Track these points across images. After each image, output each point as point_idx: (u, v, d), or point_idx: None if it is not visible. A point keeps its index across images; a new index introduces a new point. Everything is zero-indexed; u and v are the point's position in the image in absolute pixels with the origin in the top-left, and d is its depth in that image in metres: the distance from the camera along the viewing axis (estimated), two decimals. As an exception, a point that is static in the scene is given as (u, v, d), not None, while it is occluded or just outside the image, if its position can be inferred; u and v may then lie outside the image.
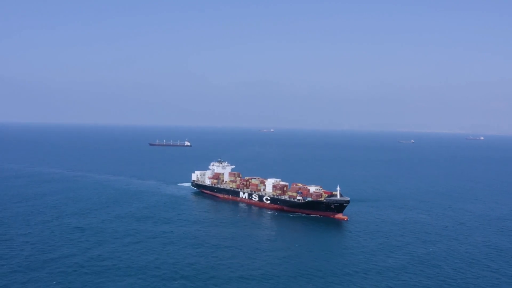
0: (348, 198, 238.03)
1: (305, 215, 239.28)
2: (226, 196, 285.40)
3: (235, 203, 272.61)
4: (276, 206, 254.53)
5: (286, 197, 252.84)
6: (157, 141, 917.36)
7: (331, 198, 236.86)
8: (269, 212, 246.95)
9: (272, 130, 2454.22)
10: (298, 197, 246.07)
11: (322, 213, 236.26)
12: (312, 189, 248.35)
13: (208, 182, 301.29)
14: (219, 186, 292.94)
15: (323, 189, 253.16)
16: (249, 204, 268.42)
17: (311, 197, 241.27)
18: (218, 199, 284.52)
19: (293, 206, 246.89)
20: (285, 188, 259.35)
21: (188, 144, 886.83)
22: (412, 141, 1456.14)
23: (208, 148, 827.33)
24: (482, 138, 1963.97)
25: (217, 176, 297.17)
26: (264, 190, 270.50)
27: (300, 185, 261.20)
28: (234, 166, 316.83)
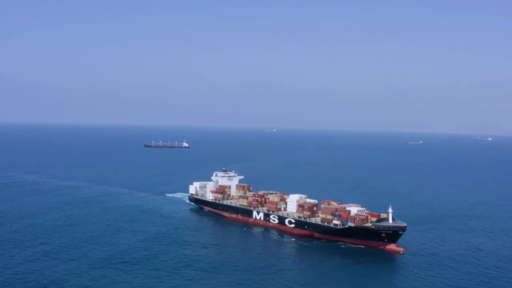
0: (405, 224, 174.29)
1: (344, 244, 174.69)
2: (234, 215, 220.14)
3: (247, 226, 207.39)
4: (303, 231, 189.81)
5: (317, 220, 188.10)
6: (152, 142, 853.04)
7: (381, 223, 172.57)
8: (294, 240, 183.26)
9: (274, 130, 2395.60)
10: (335, 221, 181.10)
11: (368, 242, 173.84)
12: (353, 210, 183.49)
13: (210, 197, 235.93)
14: (224, 202, 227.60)
15: (366, 210, 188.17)
16: (266, 227, 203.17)
17: (353, 222, 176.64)
18: (224, 220, 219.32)
19: (328, 232, 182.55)
20: (314, 208, 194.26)
21: (186, 145, 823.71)
22: (421, 142, 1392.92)
23: (208, 150, 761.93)
24: (490, 139, 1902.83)
25: (222, 190, 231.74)
26: (285, 209, 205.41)
27: (334, 203, 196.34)
28: (242, 177, 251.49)
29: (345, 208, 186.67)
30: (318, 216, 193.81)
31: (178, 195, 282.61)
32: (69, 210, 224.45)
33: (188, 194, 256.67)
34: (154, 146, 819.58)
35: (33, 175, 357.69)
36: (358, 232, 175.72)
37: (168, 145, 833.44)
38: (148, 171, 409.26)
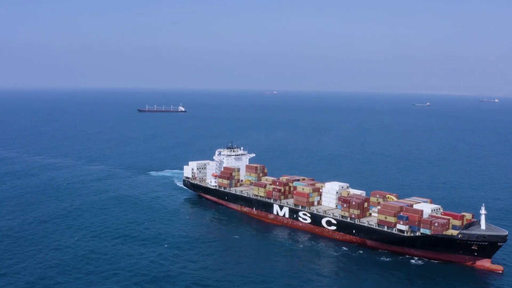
0: (506, 232, 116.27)
1: (411, 257, 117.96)
2: (246, 209, 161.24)
3: (265, 225, 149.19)
4: (349, 237, 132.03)
5: (371, 222, 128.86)
6: (147, 106, 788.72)
7: (471, 230, 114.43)
8: (336, 249, 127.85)
9: (275, 92, 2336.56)
10: (401, 226, 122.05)
11: (448, 256, 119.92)
12: (425, 209, 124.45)
13: (213, 182, 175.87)
14: (232, 190, 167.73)
15: (441, 207, 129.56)
16: (293, 228, 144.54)
17: (429, 228, 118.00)
18: (232, 214, 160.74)
19: (388, 241, 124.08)
20: (365, 205, 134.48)
21: (183, 109, 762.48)
22: (428, 104, 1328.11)
23: (206, 115, 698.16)
24: (496, 100, 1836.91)
25: (228, 174, 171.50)
26: (319, 203, 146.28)
27: (392, 197, 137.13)
28: (253, 155, 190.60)
29: (411, 205, 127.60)
30: (370, 215, 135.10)
31: (167, 173, 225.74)
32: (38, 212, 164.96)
33: (179, 173, 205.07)
34: (148, 111, 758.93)
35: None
36: (437, 243, 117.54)
37: (163, 109, 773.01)
38: (136, 142, 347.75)
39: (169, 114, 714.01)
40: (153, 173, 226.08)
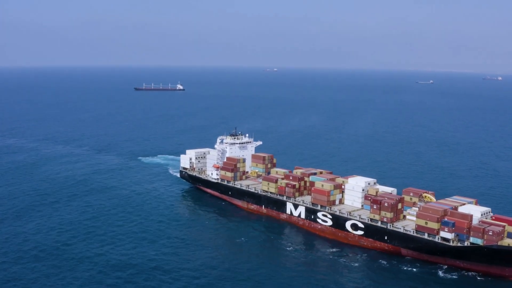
0: None
1: (456, 270, 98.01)
2: (254, 207, 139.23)
3: (277, 225, 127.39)
4: (380, 244, 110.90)
5: (407, 227, 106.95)
6: (144, 85, 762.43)
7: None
8: (365, 258, 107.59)
9: (275, 69, 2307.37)
10: (446, 233, 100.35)
11: (505, 270, 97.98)
12: (475, 213, 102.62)
13: (214, 174, 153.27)
14: (237, 185, 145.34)
15: (489, 209, 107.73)
16: (310, 231, 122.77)
17: (481, 237, 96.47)
18: (237, 211, 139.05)
19: (429, 251, 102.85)
20: (399, 206, 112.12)
21: (181, 88, 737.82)
22: (431, 81, 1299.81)
23: (205, 93, 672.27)
24: (500, 78, 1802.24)
25: (232, 166, 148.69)
26: (341, 202, 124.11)
27: (430, 196, 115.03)
28: (260, 143, 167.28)
29: (456, 208, 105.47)
30: (404, 217, 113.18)
31: (160, 159, 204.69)
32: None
33: (174, 159, 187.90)
34: (145, 89, 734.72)
35: None
36: (490, 255, 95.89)
37: (161, 87, 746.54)
38: (129, 124, 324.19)
39: (167, 92, 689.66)
40: (144, 159, 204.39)
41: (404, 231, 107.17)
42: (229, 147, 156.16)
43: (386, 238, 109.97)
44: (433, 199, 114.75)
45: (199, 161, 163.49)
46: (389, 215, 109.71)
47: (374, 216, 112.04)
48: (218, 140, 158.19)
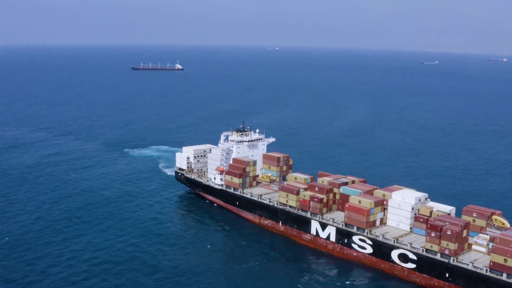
0: None
1: None
2: (268, 222, 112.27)
3: (298, 249, 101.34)
4: (440, 283, 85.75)
5: (477, 263, 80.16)
6: (141, 64, 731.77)
7: None
8: None
9: (277, 48, 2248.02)
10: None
11: None
12: None
13: (217, 179, 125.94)
14: (247, 194, 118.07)
15: None
16: (343, 258, 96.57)
17: None
18: (247, 227, 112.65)
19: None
20: (464, 233, 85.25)
21: (180, 67, 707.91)
22: (437, 62, 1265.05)
23: (205, 73, 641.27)
24: (505, 59, 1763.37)
25: (241, 170, 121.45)
26: (382, 222, 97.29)
27: (503, 221, 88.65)
28: (273, 139, 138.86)
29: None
30: (469, 247, 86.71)
31: (151, 151, 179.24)
32: None
33: (167, 151, 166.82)
34: (143, 69, 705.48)
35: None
36: None
37: (159, 67, 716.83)
38: (118, 109, 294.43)
39: (165, 72, 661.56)
40: (132, 151, 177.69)
41: (473, 268, 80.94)
42: (236, 146, 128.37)
43: (447, 275, 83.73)
44: (507, 223, 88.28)
45: (198, 161, 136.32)
46: (453, 246, 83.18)
47: (431, 246, 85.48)
48: (223, 137, 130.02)
